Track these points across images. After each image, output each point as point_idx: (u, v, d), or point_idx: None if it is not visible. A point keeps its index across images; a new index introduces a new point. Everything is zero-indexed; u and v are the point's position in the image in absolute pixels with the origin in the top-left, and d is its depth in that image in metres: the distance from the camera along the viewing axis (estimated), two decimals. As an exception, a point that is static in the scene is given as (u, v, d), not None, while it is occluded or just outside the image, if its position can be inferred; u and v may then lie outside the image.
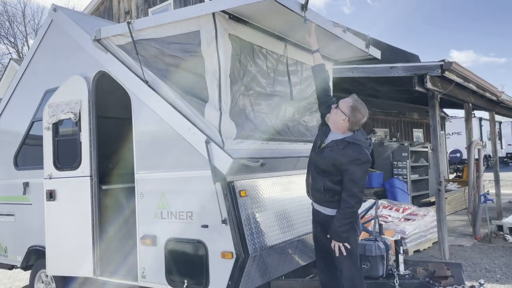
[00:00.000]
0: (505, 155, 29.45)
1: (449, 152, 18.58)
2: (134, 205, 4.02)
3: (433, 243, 7.18)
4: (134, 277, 3.97)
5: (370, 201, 7.51)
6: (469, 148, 7.98)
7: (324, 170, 3.25)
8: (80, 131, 4.37)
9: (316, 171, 3.32)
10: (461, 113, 18.27)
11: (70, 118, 4.41)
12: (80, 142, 4.37)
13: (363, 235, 4.69)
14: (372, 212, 5.58)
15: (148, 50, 3.89)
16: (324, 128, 3.46)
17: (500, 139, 28.67)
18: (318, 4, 67.11)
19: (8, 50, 32.43)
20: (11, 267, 5.48)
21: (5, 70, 16.95)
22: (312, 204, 3.50)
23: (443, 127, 16.59)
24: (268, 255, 3.63)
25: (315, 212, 3.45)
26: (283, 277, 3.93)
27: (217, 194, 3.41)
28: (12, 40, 32.09)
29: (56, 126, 4.59)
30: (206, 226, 3.49)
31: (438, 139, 6.46)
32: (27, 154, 5.14)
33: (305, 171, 4.44)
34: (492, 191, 10.02)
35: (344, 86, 8.53)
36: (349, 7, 72.46)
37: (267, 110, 4.06)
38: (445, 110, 16.60)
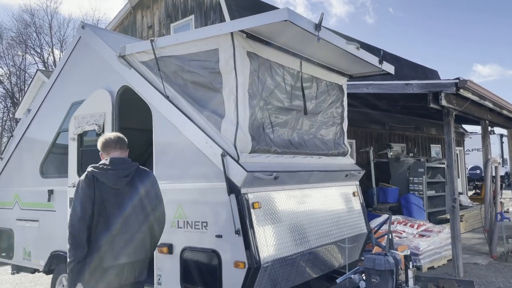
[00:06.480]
0: (527, 173, 28.73)
1: (468, 168, 18.32)
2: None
3: (448, 261, 7.14)
4: (150, 284, 4.12)
5: (384, 216, 7.55)
6: (485, 165, 7.94)
7: None
8: (103, 142, 4.58)
9: None
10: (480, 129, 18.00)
11: (95, 130, 4.64)
12: (103, 153, 4.58)
13: (375, 249, 4.75)
14: (385, 227, 5.63)
15: (169, 67, 4.10)
16: None
17: (523, 156, 28.02)
18: (340, 13, 67.19)
19: (34, 60, 33.57)
20: (33, 271, 5.69)
21: (32, 80, 17.57)
22: None
23: (462, 143, 16.41)
24: (280, 266, 3.74)
25: None
26: (294, 288, 4.01)
27: (231, 206, 3.55)
28: (39, 50, 33.23)
29: (81, 137, 4.83)
30: (220, 236, 3.63)
31: (453, 155, 6.48)
32: (52, 163, 5.39)
33: (318, 185, 4.56)
34: None
35: (361, 101, 8.62)
36: (372, 16, 72.14)
37: (284, 124, 4.21)
38: (464, 126, 16.43)
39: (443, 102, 6.11)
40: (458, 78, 5.99)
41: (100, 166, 3.06)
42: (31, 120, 5.71)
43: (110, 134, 3.31)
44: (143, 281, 3.23)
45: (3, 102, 32.97)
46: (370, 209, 9.23)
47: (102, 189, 3.01)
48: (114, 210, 3.01)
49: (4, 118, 33.26)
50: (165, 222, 3.32)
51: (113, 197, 3.02)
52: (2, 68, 32.60)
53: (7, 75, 32.48)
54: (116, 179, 3.04)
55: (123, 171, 3.08)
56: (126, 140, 3.31)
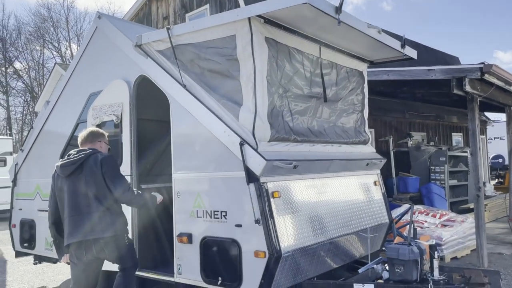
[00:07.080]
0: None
1: (491, 157, 17.91)
2: (171, 204, 4.17)
3: (471, 251, 6.98)
4: (171, 273, 4.12)
5: (405, 206, 7.41)
6: (510, 153, 7.71)
7: None
8: (121, 132, 4.58)
9: None
10: (504, 117, 17.54)
11: (113, 120, 4.63)
12: (121, 143, 4.57)
13: (397, 239, 4.65)
14: (407, 217, 5.51)
15: (186, 55, 4.04)
16: None
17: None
18: (357, 1, 65.85)
19: (52, 54, 34.05)
20: (55, 261, 5.76)
21: (50, 74, 17.80)
22: None
23: (484, 131, 16.02)
24: (300, 256, 3.68)
25: None
26: (315, 279, 3.96)
27: (250, 195, 3.49)
28: (56, 45, 33.67)
29: (99, 127, 4.81)
30: (239, 226, 3.58)
31: (477, 143, 6.29)
32: (72, 154, 5.40)
33: (339, 174, 4.47)
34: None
35: (380, 89, 8.44)
36: (389, 3, 70.40)
37: (303, 111, 4.12)
38: (486, 113, 16.02)
39: (467, 88, 5.92)
40: (483, 63, 5.79)
41: (63, 160, 3.58)
42: (50, 112, 5.74)
43: (86, 129, 3.83)
44: (120, 256, 3.59)
45: (23, 97, 33.61)
46: (390, 199, 9.08)
47: (58, 179, 3.57)
48: (66, 195, 3.50)
49: (24, 112, 33.91)
50: (127, 198, 3.54)
51: (65, 184, 3.51)
52: (21, 63, 33.17)
53: (26, 70, 33.06)
54: (63, 168, 3.50)
55: (70, 160, 3.49)
56: (101, 132, 3.80)
